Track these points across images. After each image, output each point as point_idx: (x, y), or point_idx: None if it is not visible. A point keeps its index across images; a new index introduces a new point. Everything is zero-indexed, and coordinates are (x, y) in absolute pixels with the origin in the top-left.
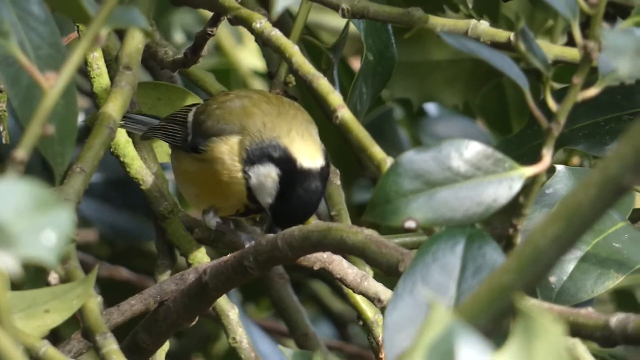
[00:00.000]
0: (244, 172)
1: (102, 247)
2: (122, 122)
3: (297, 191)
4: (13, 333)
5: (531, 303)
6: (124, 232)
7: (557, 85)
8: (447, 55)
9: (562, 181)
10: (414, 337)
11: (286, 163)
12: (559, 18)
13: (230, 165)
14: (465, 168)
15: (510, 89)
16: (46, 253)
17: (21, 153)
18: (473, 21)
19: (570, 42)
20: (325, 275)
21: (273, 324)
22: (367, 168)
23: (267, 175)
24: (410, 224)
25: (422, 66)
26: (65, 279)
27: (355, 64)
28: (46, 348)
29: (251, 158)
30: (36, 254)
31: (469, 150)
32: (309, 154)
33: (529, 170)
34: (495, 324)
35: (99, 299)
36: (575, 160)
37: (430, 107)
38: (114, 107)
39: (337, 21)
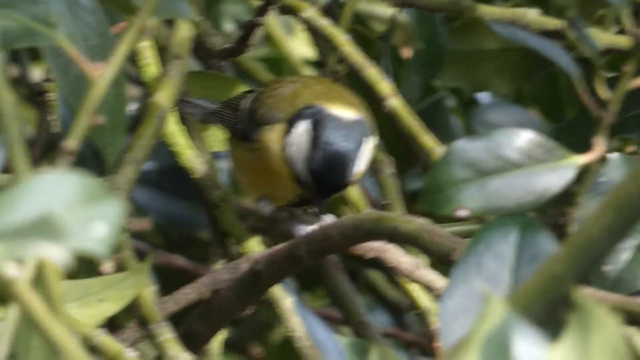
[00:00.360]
0: (285, 145)
1: (157, 235)
2: (180, 106)
3: (325, 138)
4: (68, 322)
5: (586, 292)
6: (178, 221)
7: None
8: (498, 44)
9: (616, 169)
10: (469, 327)
11: (317, 115)
12: (610, 7)
13: (275, 150)
14: (517, 157)
15: (562, 76)
16: (97, 245)
17: (71, 143)
18: (522, 9)
19: (623, 31)
20: (380, 264)
21: (330, 312)
22: (419, 156)
23: (301, 133)
24: (462, 212)
25: (472, 55)
26: (119, 269)
27: (406, 52)
28: (101, 337)
29: (290, 128)
30: (87, 246)
31: (520, 139)
32: (342, 108)
33: (581, 159)
34: (549, 314)
35: (154, 288)
36: (631, 148)
37: (483, 95)
38: (163, 96)
39: (386, 10)
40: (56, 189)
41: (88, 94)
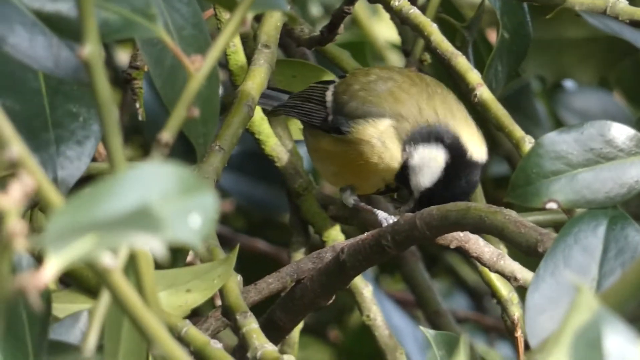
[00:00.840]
0: (405, 150)
1: (238, 218)
2: None
3: (461, 181)
4: (159, 313)
5: None
6: (260, 204)
7: None
8: (582, 33)
9: None
10: (559, 321)
11: (457, 151)
12: None
13: (380, 148)
14: (608, 149)
15: None
16: (192, 236)
17: (166, 135)
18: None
19: None
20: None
21: (407, 296)
22: (501, 145)
23: (434, 158)
24: (552, 205)
25: (556, 44)
26: (205, 258)
27: (493, 36)
28: (188, 328)
29: (416, 138)
30: (183, 238)
31: (611, 132)
32: (478, 144)
33: None
34: None
35: (239, 278)
36: None
37: (567, 82)
38: (252, 85)
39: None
40: (153, 181)
41: (185, 87)
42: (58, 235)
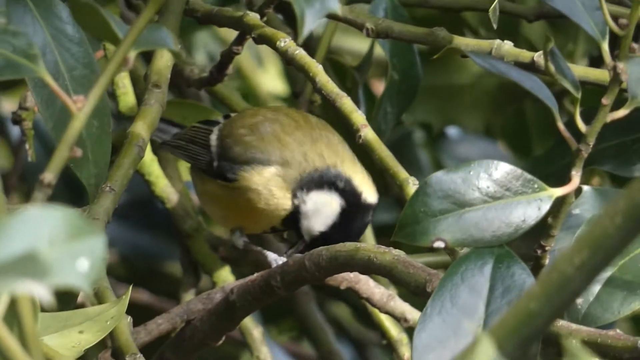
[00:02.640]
0: (295, 197)
1: (122, 268)
2: None
3: (356, 223)
4: (42, 357)
5: (560, 325)
6: (144, 253)
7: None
8: (469, 79)
9: (589, 202)
10: (455, 354)
11: (351, 194)
12: (579, 41)
13: (266, 195)
14: (495, 189)
15: (531, 112)
16: (80, 280)
17: (49, 176)
18: (497, 41)
19: (592, 66)
20: (346, 296)
21: (295, 347)
22: (391, 187)
23: (327, 203)
24: (439, 244)
25: (443, 90)
26: (94, 300)
27: (377, 86)
28: None
29: (308, 184)
30: (71, 282)
31: (498, 171)
32: (369, 186)
33: (558, 191)
34: (523, 350)
35: (129, 319)
36: (596, 180)
37: (451, 130)
38: (143, 126)
39: (359, 44)
40: (40, 225)
41: (68, 128)
42: None
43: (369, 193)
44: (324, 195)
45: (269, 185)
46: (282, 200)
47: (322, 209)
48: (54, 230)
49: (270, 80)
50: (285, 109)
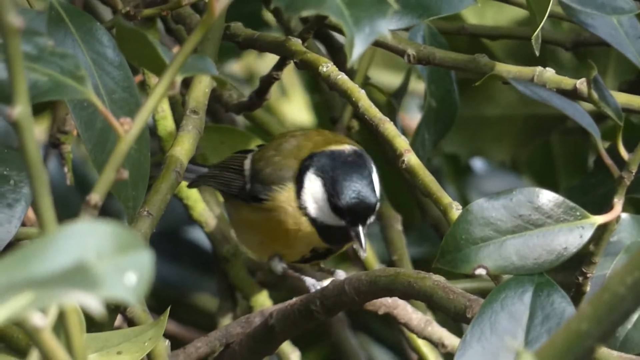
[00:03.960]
0: (301, 209)
1: (149, 298)
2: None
3: (337, 172)
4: None
5: (601, 352)
6: (171, 284)
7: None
8: (498, 110)
9: (627, 229)
10: None
11: (318, 158)
12: (608, 71)
13: (292, 212)
14: (537, 216)
15: (557, 145)
16: (128, 294)
17: (95, 197)
18: (539, 68)
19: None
20: (369, 327)
21: None
22: (428, 213)
23: (311, 182)
24: (481, 271)
25: (473, 121)
26: (138, 319)
27: (403, 119)
28: None
29: (301, 186)
30: (119, 295)
31: (540, 199)
32: (338, 146)
33: (600, 219)
34: None
35: (167, 342)
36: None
37: (477, 164)
38: (181, 151)
39: (386, 77)
40: (88, 238)
41: (114, 149)
42: None
43: (338, 147)
44: (307, 183)
45: (291, 200)
46: (302, 217)
47: (313, 191)
48: (102, 243)
49: (295, 111)
50: (319, 129)
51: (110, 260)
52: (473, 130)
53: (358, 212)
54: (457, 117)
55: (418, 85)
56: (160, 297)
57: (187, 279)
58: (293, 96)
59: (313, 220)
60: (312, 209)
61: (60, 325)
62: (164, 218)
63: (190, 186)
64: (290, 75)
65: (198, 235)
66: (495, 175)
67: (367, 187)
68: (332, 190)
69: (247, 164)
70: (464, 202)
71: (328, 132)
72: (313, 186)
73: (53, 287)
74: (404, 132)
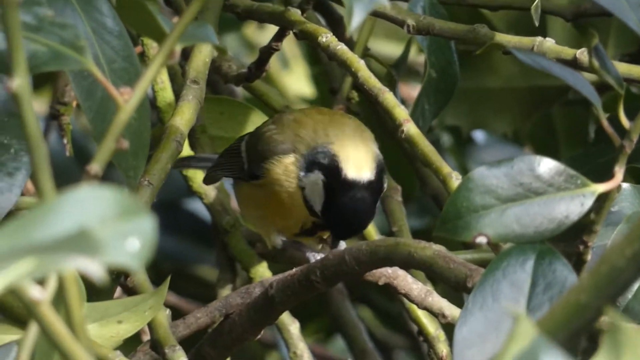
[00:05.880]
0: (300, 182)
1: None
2: (186, 163)
3: (341, 200)
4: (88, 345)
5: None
6: (170, 255)
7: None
8: (500, 82)
9: (628, 199)
10: (488, 356)
11: (331, 171)
12: (608, 45)
13: (286, 184)
14: (538, 184)
15: (559, 117)
16: (131, 260)
17: (95, 167)
18: (539, 38)
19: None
20: (369, 299)
21: (320, 350)
22: (428, 184)
23: (316, 182)
24: (482, 239)
25: (474, 93)
26: (139, 287)
27: (403, 90)
28: (119, 359)
29: (305, 166)
30: (121, 261)
31: (541, 167)
32: (357, 163)
33: (602, 187)
34: (572, 342)
35: (168, 311)
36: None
37: (478, 135)
38: (181, 121)
39: (385, 48)
40: (90, 204)
41: (114, 119)
42: None
43: (353, 170)
44: (313, 175)
45: (287, 172)
46: (296, 189)
47: (314, 189)
48: (104, 209)
49: (297, 82)
50: (316, 107)
51: (113, 226)
52: (474, 102)
53: (345, 235)
54: (458, 89)
55: (419, 58)
56: (160, 269)
57: (186, 251)
58: (295, 67)
59: (305, 200)
60: (310, 197)
61: (60, 298)
62: (163, 190)
63: (207, 182)
64: (291, 46)
65: (197, 207)
66: (497, 147)
67: (364, 221)
68: (328, 206)
69: (243, 145)
70: (466, 173)
71: (326, 109)
72: (315, 185)
73: (55, 252)
74: (404, 103)
